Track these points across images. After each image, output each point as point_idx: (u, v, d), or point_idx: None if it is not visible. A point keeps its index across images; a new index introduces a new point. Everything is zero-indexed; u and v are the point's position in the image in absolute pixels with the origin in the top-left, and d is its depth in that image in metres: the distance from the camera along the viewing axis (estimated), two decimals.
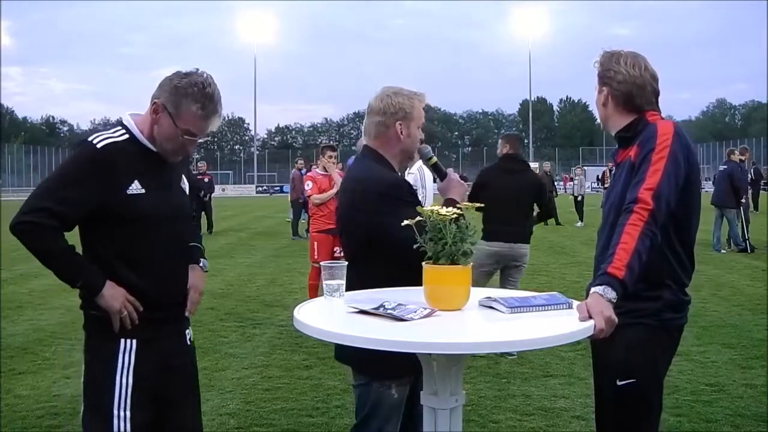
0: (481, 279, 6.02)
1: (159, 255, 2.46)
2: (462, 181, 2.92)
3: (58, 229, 2.33)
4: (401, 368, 2.60)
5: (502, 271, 6.38)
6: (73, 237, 2.44)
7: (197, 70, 2.45)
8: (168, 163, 2.51)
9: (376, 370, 2.69)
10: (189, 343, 2.64)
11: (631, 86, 2.56)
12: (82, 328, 2.51)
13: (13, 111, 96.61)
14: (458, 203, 2.60)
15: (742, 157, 13.76)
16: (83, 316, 2.48)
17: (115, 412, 2.35)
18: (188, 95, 2.38)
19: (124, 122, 2.46)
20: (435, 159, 2.96)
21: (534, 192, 6.43)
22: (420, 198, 3.26)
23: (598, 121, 2.84)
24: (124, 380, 2.37)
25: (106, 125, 2.69)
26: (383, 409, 2.72)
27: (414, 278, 2.35)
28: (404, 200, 2.69)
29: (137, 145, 2.43)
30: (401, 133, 2.82)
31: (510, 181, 6.21)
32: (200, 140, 2.48)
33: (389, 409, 2.72)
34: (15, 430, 4.42)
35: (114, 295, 2.35)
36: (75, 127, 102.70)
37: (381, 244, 2.67)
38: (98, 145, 2.36)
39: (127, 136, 2.42)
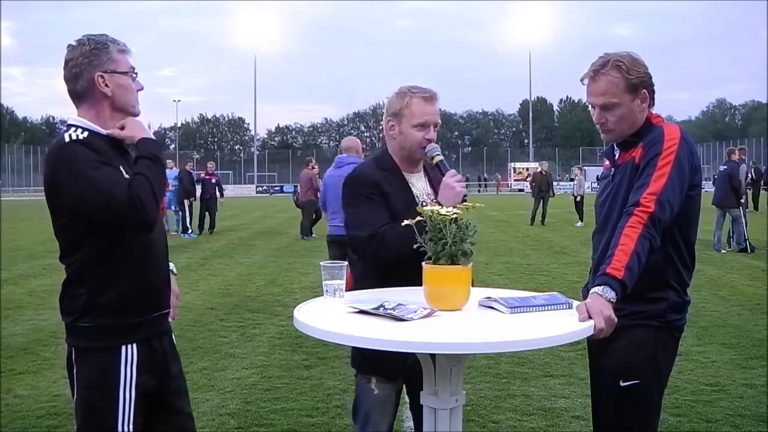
0: None
1: (151, 243, 2.40)
2: (457, 188, 2.70)
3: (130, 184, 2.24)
4: (380, 365, 2.64)
5: None
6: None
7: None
8: (126, 153, 2.41)
9: (358, 363, 2.79)
10: (174, 345, 2.58)
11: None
12: (67, 344, 2.37)
13: (14, 111, 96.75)
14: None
15: (743, 157, 13.79)
16: (72, 331, 2.35)
17: (120, 429, 2.28)
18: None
19: (73, 122, 2.34)
20: (439, 158, 2.80)
21: None
22: None
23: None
24: (127, 394, 2.29)
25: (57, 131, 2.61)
26: (365, 403, 2.78)
27: (392, 276, 2.52)
28: (362, 194, 2.72)
29: (100, 136, 2.33)
30: (392, 130, 2.81)
31: None
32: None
33: (371, 404, 2.76)
34: (15, 430, 4.42)
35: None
36: None
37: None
38: (70, 139, 2.25)
39: (86, 132, 2.30)
